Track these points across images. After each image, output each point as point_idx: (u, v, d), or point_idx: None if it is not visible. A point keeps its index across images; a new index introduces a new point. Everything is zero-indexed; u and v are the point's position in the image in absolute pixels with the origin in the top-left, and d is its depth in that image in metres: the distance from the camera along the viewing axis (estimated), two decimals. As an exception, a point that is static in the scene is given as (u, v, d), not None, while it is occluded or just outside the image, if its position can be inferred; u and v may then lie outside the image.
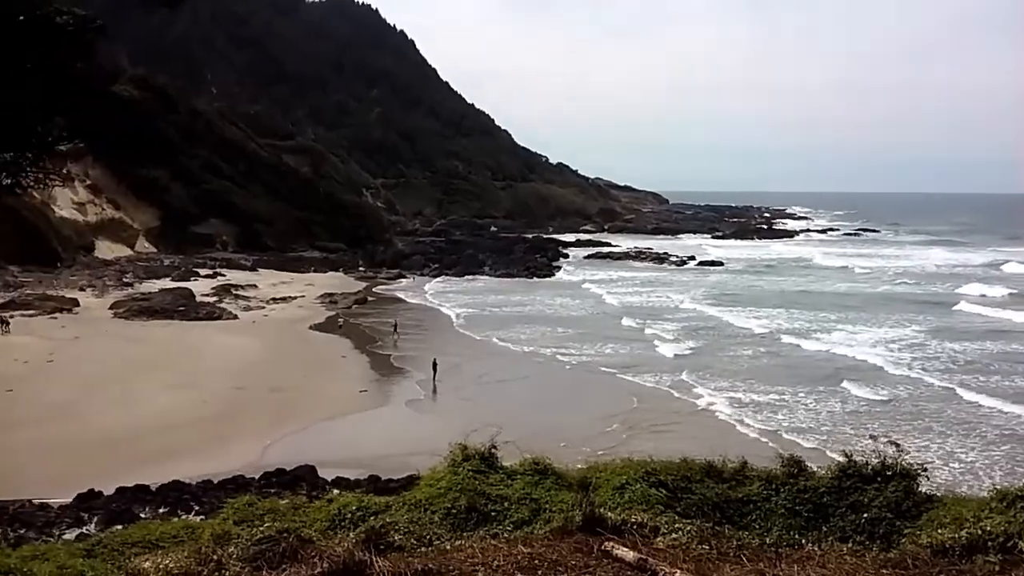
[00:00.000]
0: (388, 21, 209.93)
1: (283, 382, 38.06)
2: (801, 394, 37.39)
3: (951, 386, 38.62)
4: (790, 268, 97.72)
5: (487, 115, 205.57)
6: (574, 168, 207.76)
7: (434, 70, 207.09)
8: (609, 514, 9.33)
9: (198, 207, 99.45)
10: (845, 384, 38.88)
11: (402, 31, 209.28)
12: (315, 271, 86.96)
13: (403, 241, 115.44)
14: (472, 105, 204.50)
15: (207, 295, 65.28)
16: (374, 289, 76.94)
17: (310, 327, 54.60)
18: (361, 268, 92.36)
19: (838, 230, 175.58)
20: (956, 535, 9.21)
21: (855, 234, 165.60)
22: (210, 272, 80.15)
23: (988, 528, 9.18)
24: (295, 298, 66.85)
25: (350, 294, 70.05)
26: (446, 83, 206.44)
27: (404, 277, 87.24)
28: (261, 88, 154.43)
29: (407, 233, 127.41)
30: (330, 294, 68.93)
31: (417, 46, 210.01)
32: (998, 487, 10.05)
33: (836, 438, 29.65)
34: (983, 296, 71.09)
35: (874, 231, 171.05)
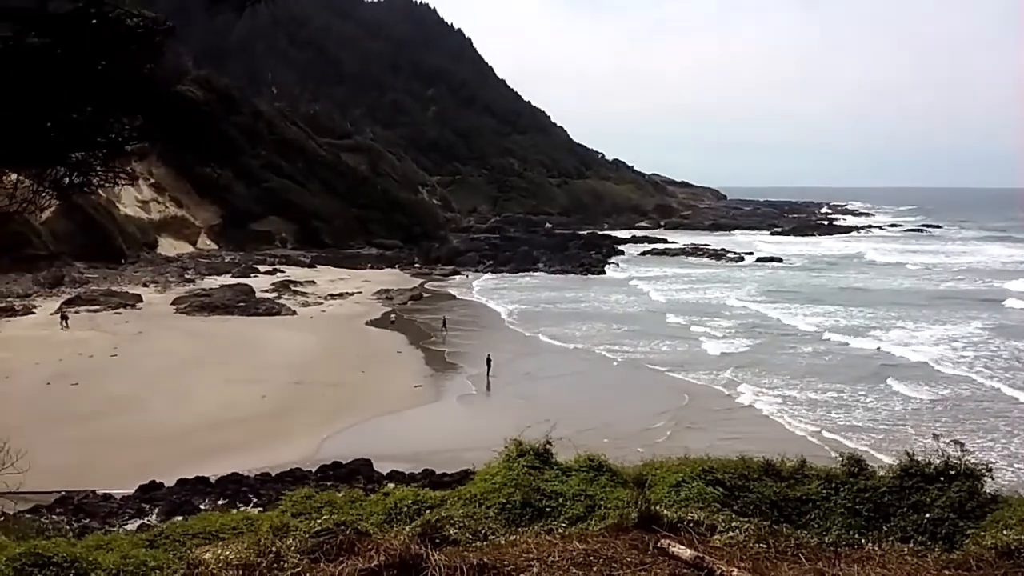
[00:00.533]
0: (445, 19, 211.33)
1: (340, 377, 38.52)
2: (855, 392, 36.88)
3: (1007, 386, 37.67)
4: (847, 264, 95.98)
5: (543, 112, 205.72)
6: (630, 164, 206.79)
7: (490, 68, 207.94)
8: (665, 511, 9.26)
9: (258, 205, 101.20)
10: (900, 382, 38.21)
11: (459, 29, 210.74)
12: (371, 268, 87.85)
13: (458, 238, 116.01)
14: (528, 103, 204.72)
15: (266, 291, 66.34)
16: (429, 285, 77.45)
17: (366, 323, 55.17)
18: (416, 265, 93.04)
19: (901, 226, 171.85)
20: (1021, 536, 9.00)
21: (918, 230, 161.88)
22: (269, 269, 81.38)
23: (1056, 530, 8.95)
24: (352, 294, 67.59)
25: (405, 290, 70.61)
26: (502, 80, 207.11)
27: (459, 273, 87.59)
28: (320, 88, 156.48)
29: (462, 230, 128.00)
30: (386, 290, 69.58)
31: (474, 44, 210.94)
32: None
33: (894, 437, 29.14)
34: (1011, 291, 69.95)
35: (937, 227, 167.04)
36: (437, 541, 8.90)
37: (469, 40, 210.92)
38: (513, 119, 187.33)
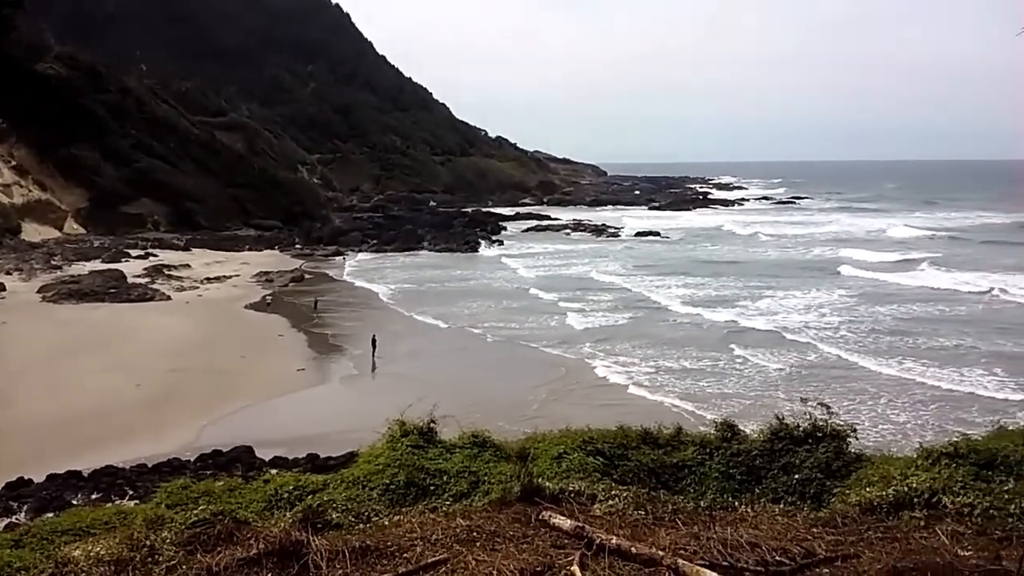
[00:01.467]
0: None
1: (219, 363, 37.53)
2: (722, 361, 38.04)
3: (867, 354, 39.43)
4: (720, 237, 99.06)
5: (425, 89, 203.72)
6: (513, 141, 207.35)
7: (370, 43, 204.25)
8: (547, 484, 9.41)
9: (128, 187, 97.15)
10: (764, 350, 39.62)
11: (337, 3, 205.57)
12: (250, 249, 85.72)
13: (340, 217, 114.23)
14: (409, 79, 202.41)
15: (139, 276, 63.94)
16: (311, 266, 76.16)
17: (245, 306, 53.91)
18: (297, 245, 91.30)
19: (773, 199, 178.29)
20: (884, 493, 9.50)
21: (789, 202, 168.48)
22: (141, 253, 78.44)
23: (914, 485, 9.47)
24: (229, 277, 65.89)
25: (286, 272, 69.29)
26: (382, 57, 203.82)
27: (341, 254, 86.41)
28: (193, 65, 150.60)
29: (344, 209, 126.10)
30: (265, 272, 68.13)
31: (352, 19, 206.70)
32: (924, 445, 10.38)
33: (762, 403, 30.11)
34: (858, 260, 73.65)
35: (809, 199, 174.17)
36: (319, 526, 8.81)
37: (348, 15, 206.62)
38: (395, 96, 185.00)
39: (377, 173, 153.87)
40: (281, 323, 48.30)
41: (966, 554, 7.53)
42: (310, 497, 9.82)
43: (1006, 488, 9.29)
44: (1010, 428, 10.72)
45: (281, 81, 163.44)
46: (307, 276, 69.37)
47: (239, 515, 8.90)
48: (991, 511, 8.87)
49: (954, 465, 9.62)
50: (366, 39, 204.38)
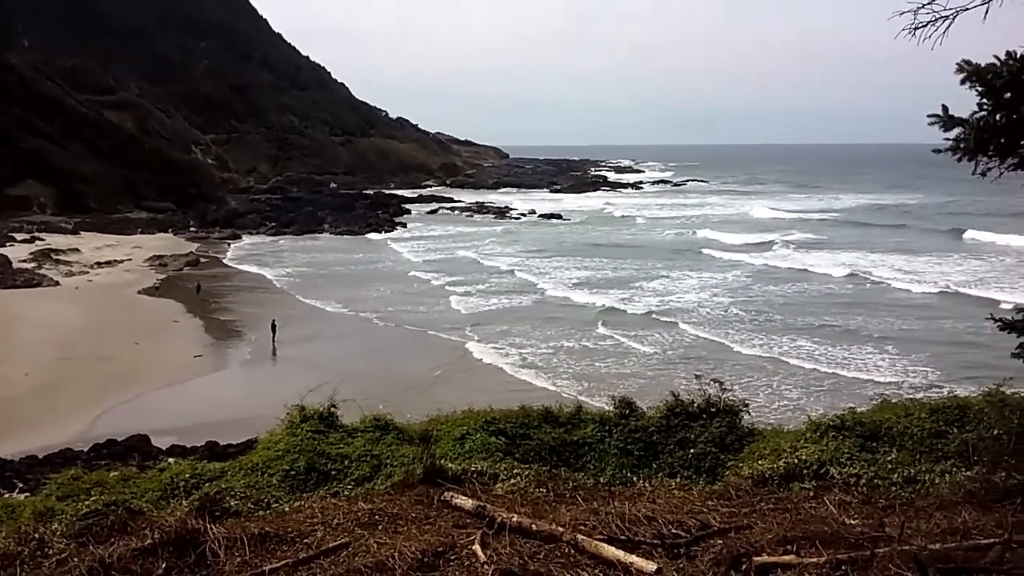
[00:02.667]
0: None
1: (112, 350, 36.28)
2: (616, 339, 38.67)
3: (759, 331, 40.66)
4: (618, 220, 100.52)
5: (323, 68, 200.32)
6: (415, 123, 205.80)
7: (266, 21, 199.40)
8: (450, 465, 9.46)
9: (12, 168, 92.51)
10: (658, 330, 40.42)
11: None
12: (143, 233, 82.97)
13: (237, 199, 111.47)
14: (307, 58, 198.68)
15: (25, 261, 61.26)
16: (207, 250, 74.24)
17: (139, 291, 52.27)
18: (192, 228, 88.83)
19: (669, 182, 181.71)
20: (775, 465, 9.86)
21: (681, 185, 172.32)
22: (27, 237, 75.07)
23: (803, 457, 9.86)
24: (121, 262, 63.71)
25: (181, 256, 67.38)
26: (279, 35, 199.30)
27: (238, 237, 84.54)
28: (79, 40, 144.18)
29: (241, 191, 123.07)
30: (159, 256, 66.16)
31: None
32: (812, 418, 10.79)
33: (659, 382, 30.68)
34: (718, 241, 76.45)
35: (703, 182, 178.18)
36: (217, 514, 8.65)
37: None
38: (292, 75, 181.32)
39: (275, 154, 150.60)
40: (176, 308, 46.98)
41: (852, 522, 7.86)
42: (208, 485, 9.64)
43: (889, 458, 9.75)
44: (893, 401, 11.23)
45: (174, 59, 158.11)
46: (203, 260, 67.61)
47: (133, 505, 8.70)
48: (875, 480, 9.29)
49: (841, 437, 10.05)
50: (262, 16, 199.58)
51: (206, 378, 33.63)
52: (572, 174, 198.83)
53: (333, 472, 9.68)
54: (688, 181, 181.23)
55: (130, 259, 64.98)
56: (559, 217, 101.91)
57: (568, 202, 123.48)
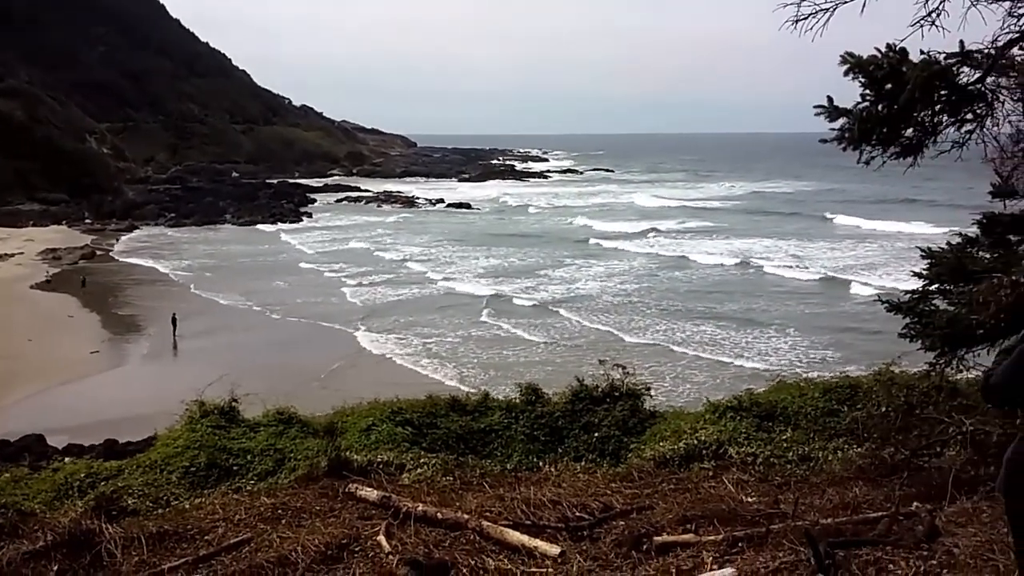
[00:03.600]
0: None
1: (3, 347, 34.77)
2: (517, 328, 38.77)
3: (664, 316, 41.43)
4: (524, 209, 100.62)
5: (223, 54, 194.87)
6: (319, 111, 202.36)
7: (163, 6, 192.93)
8: (355, 456, 9.40)
9: None
10: (563, 316, 40.77)
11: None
12: (35, 225, 79.59)
13: (134, 190, 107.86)
14: (207, 44, 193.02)
15: (-96, 256, 58.21)
16: (103, 242, 71.77)
17: (31, 286, 50.15)
18: (87, 220, 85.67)
19: (576, 171, 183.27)
20: (676, 446, 10.12)
21: (589, 173, 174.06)
22: (-94, 230, 71.39)
23: (703, 438, 10.14)
24: (12, 255, 61.05)
25: (76, 249, 65.03)
26: (177, 20, 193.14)
27: (136, 228, 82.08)
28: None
29: (139, 181, 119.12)
30: (52, 249, 63.64)
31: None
32: (711, 400, 11.09)
33: (565, 369, 30.73)
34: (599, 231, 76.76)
35: (609, 171, 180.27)
36: (114, 513, 8.42)
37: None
38: (191, 61, 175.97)
39: (174, 143, 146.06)
40: (71, 303, 45.30)
41: (749, 500, 8.12)
42: (104, 484, 9.40)
43: (784, 437, 10.10)
44: (788, 381, 11.63)
45: (66, 46, 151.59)
46: (99, 252, 65.34)
47: (24, 507, 8.41)
48: (772, 459, 9.62)
49: (738, 418, 10.37)
50: (159, 1, 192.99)
51: (104, 374, 32.57)
52: (480, 163, 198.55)
53: (235, 467, 9.53)
54: (595, 170, 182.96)
55: (22, 252, 62.36)
56: (468, 206, 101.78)
57: (475, 191, 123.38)
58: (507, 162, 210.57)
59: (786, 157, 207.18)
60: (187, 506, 8.43)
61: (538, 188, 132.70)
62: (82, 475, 9.63)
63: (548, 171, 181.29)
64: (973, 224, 8.46)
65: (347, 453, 9.16)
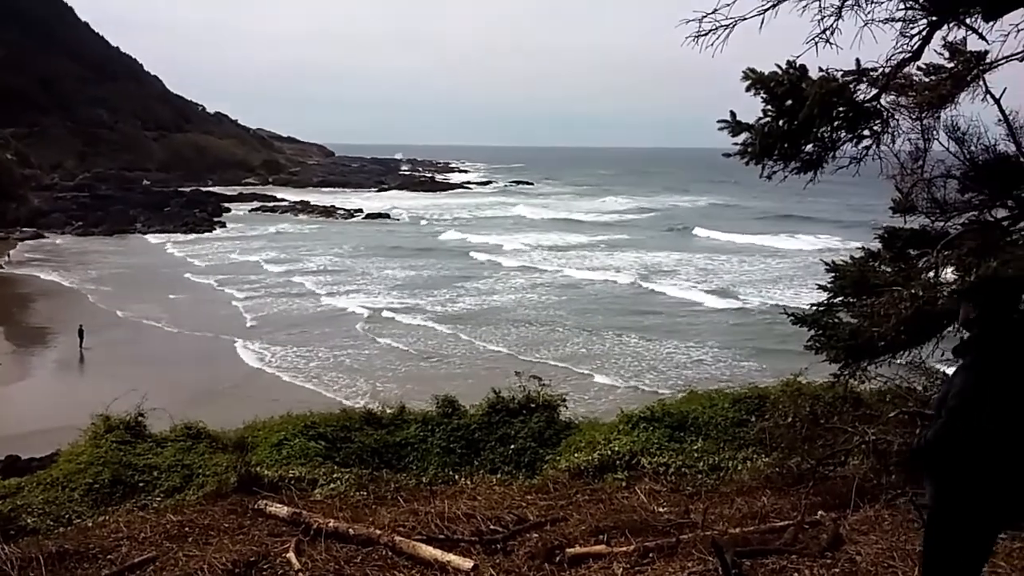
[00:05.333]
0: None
1: None
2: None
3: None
4: (441, 219, 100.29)
5: (134, 59, 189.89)
6: (234, 118, 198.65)
7: (70, 7, 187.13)
8: (266, 472, 9.23)
9: None
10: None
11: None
12: (-69, 233, 76.30)
13: (40, 197, 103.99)
14: (117, 48, 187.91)
15: None
16: (6, 251, 68.98)
17: (-74, 297, 47.98)
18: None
19: (496, 183, 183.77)
20: (590, 457, 10.22)
21: (509, 186, 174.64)
22: None
23: (616, 448, 10.27)
24: (-94, 264, 58.33)
25: (-24, 258, 62.43)
26: (85, 23, 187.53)
27: (42, 236, 79.19)
28: None
29: (44, 188, 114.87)
30: (-49, 258, 60.99)
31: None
32: (624, 410, 11.22)
33: (481, 381, 30.57)
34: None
35: (528, 183, 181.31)
36: (12, 532, 8.12)
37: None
38: (100, 65, 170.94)
39: (82, 149, 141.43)
40: (-30, 314, 43.45)
41: (661, 510, 8.25)
42: (1, 502, 9.01)
43: (695, 447, 10.30)
44: (699, 392, 11.84)
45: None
46: (2, 261, 62.82)
47: (-89, 530, 7.99)
48: (683, 469, 9.80)
49: (651, 428, 10.53)
50: (65, 3, 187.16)
51: (6, 388, 31.23)
52: (400, 173, 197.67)
53: (141, 484, 9.26)
54: (514, 182, 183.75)
55: (-84, 261, 59.60)
56: (387, 216, 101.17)
57: (398, 201, 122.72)
58: (426, 173, 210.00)
59: (699, 170, 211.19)
60: (90, 524, 8.17)
61: (458, 199, 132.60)
62: (-23, 494, 9.22)
63: (467, 182, 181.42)
64: (875, 239, 8.77)
65: (257, 468, 8.99)
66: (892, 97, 6.95)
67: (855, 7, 5.87)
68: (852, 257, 8.82)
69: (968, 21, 6.29)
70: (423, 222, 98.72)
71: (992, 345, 4.29)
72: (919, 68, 6.89)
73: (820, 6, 5.86)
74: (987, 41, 6.46)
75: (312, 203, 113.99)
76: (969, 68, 6.73)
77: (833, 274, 8.78)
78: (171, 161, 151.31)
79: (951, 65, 6.86)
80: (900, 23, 6.15)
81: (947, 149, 7.41)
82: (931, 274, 7.97)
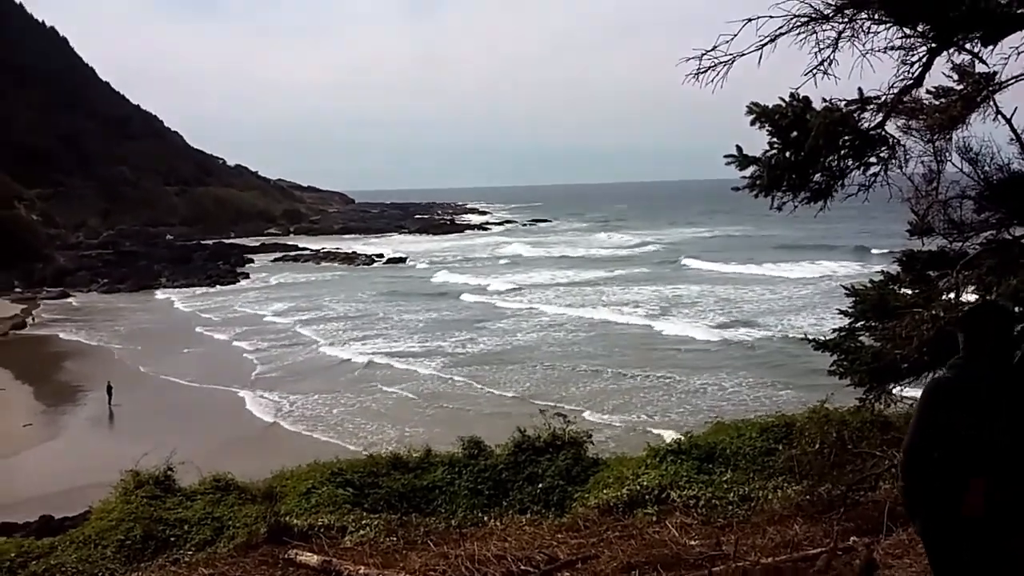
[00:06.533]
0: (34, 16, 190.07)
1: (-71, 426, 33.49)
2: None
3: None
4: (459, 260, 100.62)
5: (155, 116, 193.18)
6: (254, 170, 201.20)
7: (92, 69, 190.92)
8: (296, 521, 9.26)
9: None
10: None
11: (52, 27, 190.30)
12: (-40, 296, 77.41)
13: (65, 256, 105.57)
14: (138, 106, 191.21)
15: None
16: (34, 311, 69.91)
17: (-43, 360, 48.51)
18: (17, 289, 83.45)
19: (515, 222, 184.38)
20: (619, 493, 10.16)
21: (530, 224, 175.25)
22: None
23: (645, 483, 10.21)
24: (-62, 329, 59.13)
25: (6, 319, 63.17)
26: (106, 83, 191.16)
27: (69, 295, 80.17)
28: None
29: (69, 247, 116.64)
30: (-20, 321, 61.81)
31: (70, 43, 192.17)
32: (651, 444, 11.18)
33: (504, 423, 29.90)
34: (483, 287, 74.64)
35: (547, 221, 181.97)
36: (46, 593, 8.16)
37: (65, 39, 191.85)
38: (122, 124, 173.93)
39: (105, 207, 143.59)
40: (3, 375, 43.88)
41: (692, 543, 8.19)
42: (35, 563, 9.09)
43: (724, 479, 10.22)
44: (726, 422, 11.78)
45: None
46: (30, 322, 63.62)
47: (-53, 594, 8.08)
48: (713, 501, 9.72)
49: (679, 461, 10.47)
50: (87, 64, 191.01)
51: (38, 448, 31.50)
52: (418, 217, 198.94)
53: (172, 538, 9.30)
54: (534, 221, 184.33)
55: (-53, 325, 60.45)
56: (403, 260, 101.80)
57: (416, 245, 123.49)
58: (446, 216, 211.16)
59: (718, 202, 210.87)
60: (123, 582, 8.20)
61: (478, 240, 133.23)
62: (12, 555, 9.30)
63: (487, 223, 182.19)
64: (894, 262, 8.78)
65: (287, 518, 9.02)
66: (903, 121, 6.99)
67: (852, 38, 5.94)
68: (872, 281, 8.81)
69: (968, 46, 6.34)
70: (446, 262, 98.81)
71: (967, 373, 4.32)
72: (928, 91, 6.94)
73: (817, 39, 5.93)
74: (987, 65, 6.50)
75: (333, 250, 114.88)
76: (979, 89, 6.76)
77: (853, 298, 8.77)
78: (193, 215, 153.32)
79: (960, 87, 6.89)
80: (900, 51, 6.21)
81: (961, 170, 7.43)
82: (951, 295, 7.94)
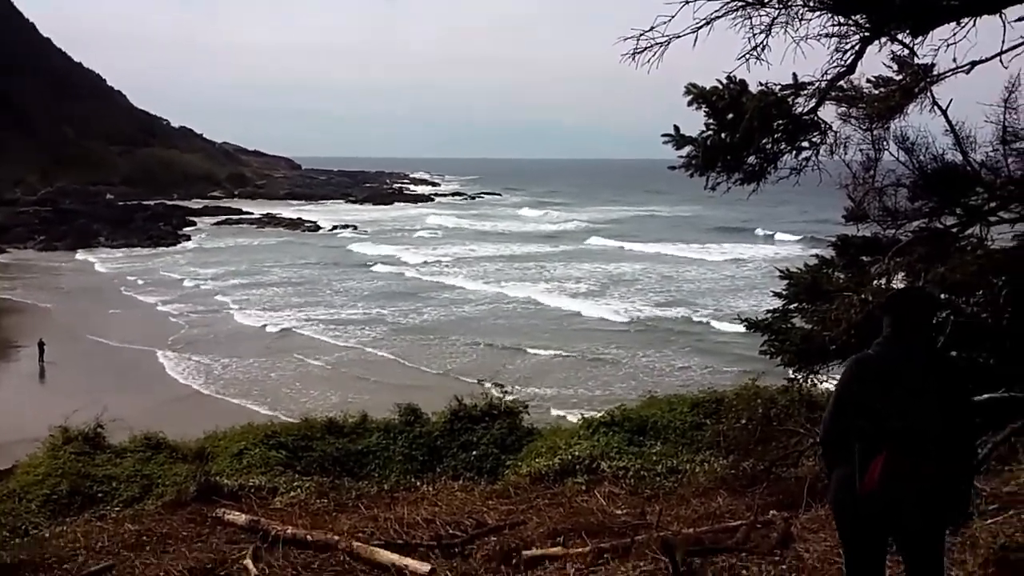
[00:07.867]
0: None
1: None
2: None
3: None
4: (407, 230, 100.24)
5: (98, 75, 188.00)
6: (199, 132, 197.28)
7: (32, 24, 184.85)
8: (226, 481, 9.24)
9: None
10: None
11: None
12: None
13: (2, 212, 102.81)
14: (80, 64, 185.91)
15: None
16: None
17: None
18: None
19: (464, 194, 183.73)
20: (551, 462, 10.33)
21: (474, 197, 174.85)
22: None
23: (577, 453, 10.39)
24: None
25: (-66, 274, 61.47)
26: (47, 39, 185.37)
27: (4, 251, 78.22)
28: None
29: (6, 203, 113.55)
30: (-91, 274, 59.98)
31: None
32: (585, 416, 11.36)
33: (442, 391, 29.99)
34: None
35: (495, 195, 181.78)
36: (-34, 546, 8.05)
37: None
38: (63, 82, 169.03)
39: (45, 165, 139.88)
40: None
41: (618, 512, 8.36)
42: (-44, 518, 8.94)
43: (654, 451, 10.44)
44: (658, 396, 12.01)
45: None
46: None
47: None
48: (642, 472, 9.92)
49: (611, 433, 10.66)
50: (26, 19, 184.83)
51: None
52: (367, 186, 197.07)
53: (99, 494, 9.24)
54: (482, 194, 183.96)
55: None
56: (354, 228, 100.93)
57: (365, 214, 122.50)
58: (395, 185, 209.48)
59: (661, 181, 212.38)
60: (47, 535, 8.13)
61: (423, 210, 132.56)
62: (-67, 509, 9.14)
63: (436, 194, 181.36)
64: (828, 246, 9.00)
65: (217, 478, 9.01)
66: (843, 108, 7.14)
67: (787, 24, 6.04)
68: (806, 264, 9.00)
69: (900, 36, 6.49)
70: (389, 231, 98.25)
71: (888, 352, 4.48)
72: (868, 80, 7.09)
73: (751, 23, 6.02)
74: (917, 55, 6.66)
75: (278, 215, 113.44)
76: (917, 80, 6.92)
77: (787, 281, 8.96)
78: (136, 176, 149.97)
79: (899, 77, 7.05)
80: (834, 39, 6.34)
81: (897, 159, 7.61)
82: (883, 280, 8.15)
